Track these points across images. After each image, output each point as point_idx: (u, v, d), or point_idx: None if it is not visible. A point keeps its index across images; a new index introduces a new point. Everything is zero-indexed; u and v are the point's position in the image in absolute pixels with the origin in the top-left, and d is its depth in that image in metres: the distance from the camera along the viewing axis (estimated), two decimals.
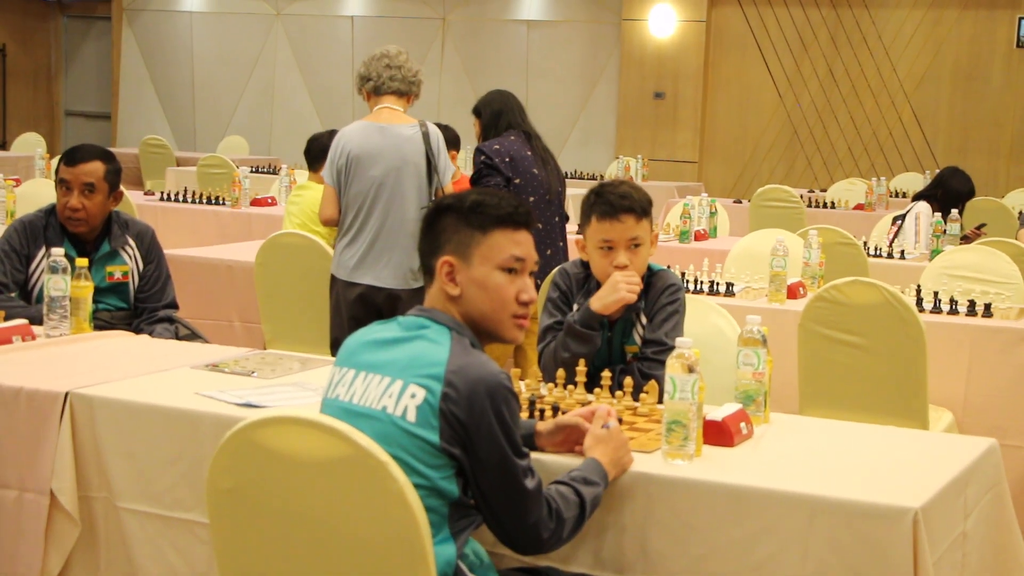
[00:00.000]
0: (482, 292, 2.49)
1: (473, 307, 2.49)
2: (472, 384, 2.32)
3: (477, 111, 5.64)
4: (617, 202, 3.31)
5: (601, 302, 3.29)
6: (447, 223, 2.50)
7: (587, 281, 3.44)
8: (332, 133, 6.36)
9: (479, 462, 2.34)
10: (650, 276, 3.40)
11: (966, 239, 6.74)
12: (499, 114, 5.53)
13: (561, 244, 5.58)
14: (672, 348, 2.70)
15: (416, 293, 4.88)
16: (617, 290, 3.28)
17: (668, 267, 3.57)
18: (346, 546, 2.20)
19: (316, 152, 6.29)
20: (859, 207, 9.75)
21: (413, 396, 2.33)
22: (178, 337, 4.27)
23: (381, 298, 4.86)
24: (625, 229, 3.31)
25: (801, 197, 9.35)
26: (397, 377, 2.36)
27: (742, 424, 2.85)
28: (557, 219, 5.54)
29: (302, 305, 5.35)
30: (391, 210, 4.87)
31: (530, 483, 2.39)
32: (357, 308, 4.87)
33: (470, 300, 2.48)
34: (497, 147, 5.40)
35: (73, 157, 4.26)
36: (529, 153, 5.44)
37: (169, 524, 2.97)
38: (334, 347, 4.91)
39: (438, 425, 2.31)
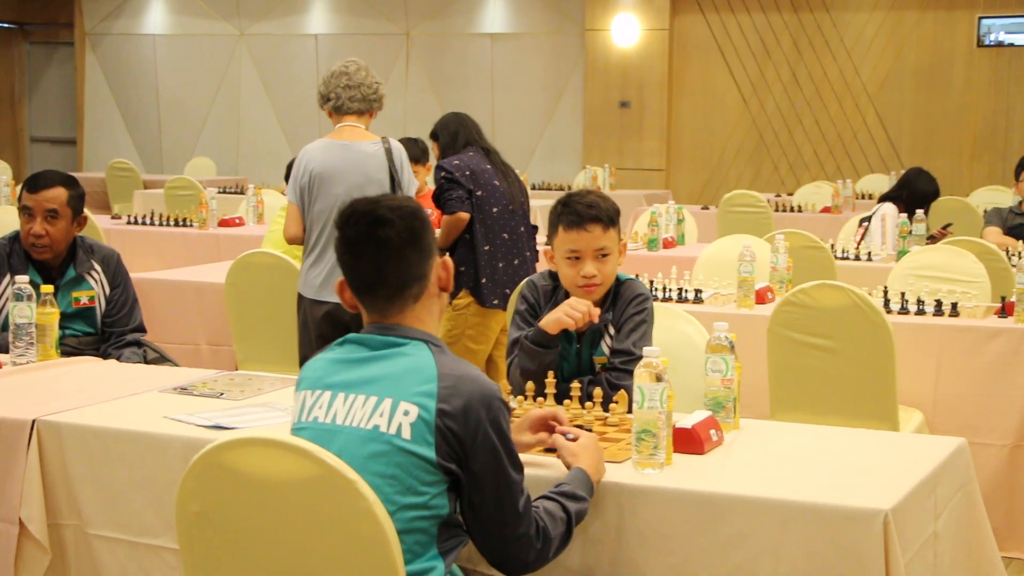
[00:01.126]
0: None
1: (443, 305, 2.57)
2: (467, 397, 2.32)
3: (434, 134, 5.72)
4: (584, 211, 3.29)
5: (546, 320, 3.27)
6: (427, 229, 2.48)
7: (555, 292, 3.43)
8: None
9: (474, 476, 2.34)
10: (618, 286, 3.39)
11: (932, 239, 6.80)
12: (456, 134, 5.63)
13: (528, 254, 5.60)
14: (640, 358, 2.70)
15: None
16: (559, 311, 3.25)
17: (636, 276, 3.58)
18: (317, 566, 2.19)
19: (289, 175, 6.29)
20: (826, 210, 9.81)
21: (407, 414, 2.31)
22: (146, 361, 4.25)
23: (348, 316, 4.84)
24: (592, 239, 3.29)
25: (768, 202, 9.40)
26: (386, 395, 2.34)
27: (712, 431, 2.86)
28: (523, 229, 5.56)
29: (273, 324, 5.33)
30: None
31: (521, 501, 2.39)
32: (324, 326, 4.85)
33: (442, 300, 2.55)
34: (457, 162, 5.47)
35: (35, 184, 4.23)
36: (489, 166, 5.52)
37: (138, 550, 2.95)
38: (303, 365, 4.88)
39: (434, 441, 2.30)
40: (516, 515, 2.37)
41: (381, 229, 2.42)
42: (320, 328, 4.85)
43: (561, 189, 12.15)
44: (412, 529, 2.29)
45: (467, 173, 5.42)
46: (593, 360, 3.37)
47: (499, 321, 5.42)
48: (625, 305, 3.35)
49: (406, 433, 2.30)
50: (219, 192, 9.25)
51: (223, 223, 8.19)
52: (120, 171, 12.89)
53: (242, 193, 10.77)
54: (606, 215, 3.31)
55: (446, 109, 5.90)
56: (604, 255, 3.31)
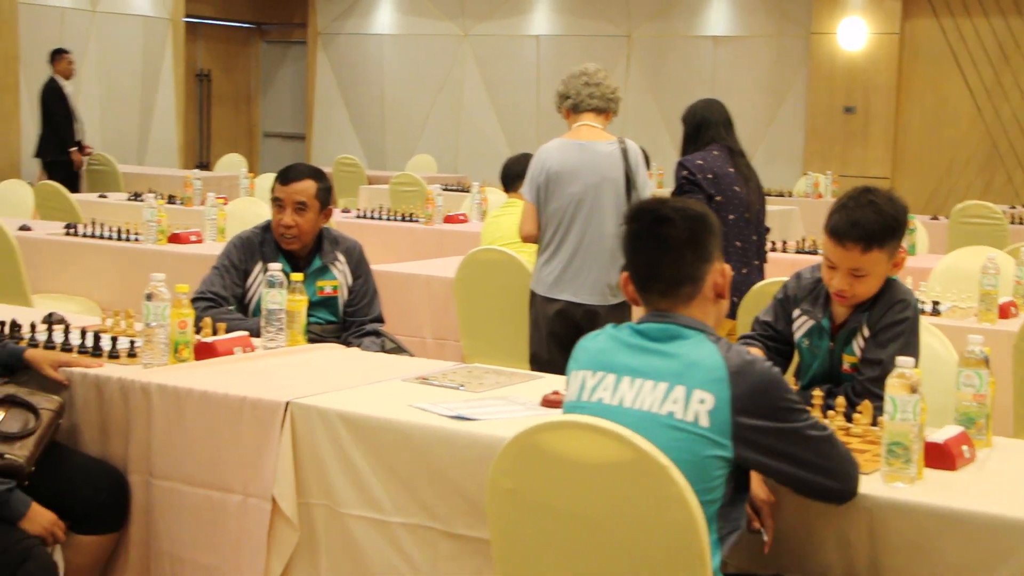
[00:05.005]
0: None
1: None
2: (755, 382, 2.39)
3: (683, 119, 5.60)
4: (845, 229, 3.10)
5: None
6: (710, 234, 2.57)
7: (817, 286, 3.32)
8: (526, 156, 6.41)
9: (776, 453, 2.41)
10: (882, 286, 3.22)
11: None
12: (700, 127, 5.46)
13: (756, 263, 5.50)
14: (890, 370, 2.64)
15: (614, 309, 4.89)
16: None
17: None
18: (625, 548, 2.27)
19: (507, 175, 6.35)
20: None
21: (702, 402, 2.38)
22: (384, 350, 4.37)
23: (579, 314, 4.89)
24: (847, 257, 3.12)
25: (1003, 213, 9.02)
26: (677, 383, 2.41)
27: (964, 447, 2.77)
28: (755, 238, 5.46)
29: (500, 320, 5.41)
30: (589, 226, 4.89)
31: (823, 430, 2.46)
32: (556, 324, 4.91)
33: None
34: (700, 162, 5.33)
35: (287, 176, 4.41)
36: (731, 170, 5.36)
37: (392, 528, 3.03)
38: (533, 362, 4.96)
39: (730, 429, 2.37)
40: (831, 443, 2.46)
41: (662, 227, 2.53)
42: (551, 325, 4.90)
43: (781, 195, 11.92)
44: None
45: (709, 176, 5.29)
46: (843, 358, 3.29)
47: (724, 329, 5.34)
48: (885, 309, 3.18)
49: (704, 421, 2.37)
50: (444, 189, 9.44)
51: (448, 219, 8.36)
52: (346, 166, 13.29)
53: (463, 191, 10.97)
54: (868, 236, 3.08)
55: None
56: (859, 275, 3.14)
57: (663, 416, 2.40)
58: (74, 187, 10.60)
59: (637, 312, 5.03)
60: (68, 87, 11.44)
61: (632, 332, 2.54)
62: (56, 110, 11.33)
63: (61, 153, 11.19)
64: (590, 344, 2.59)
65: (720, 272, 2.58)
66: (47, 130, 11.41)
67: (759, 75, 14.38)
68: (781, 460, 2.42)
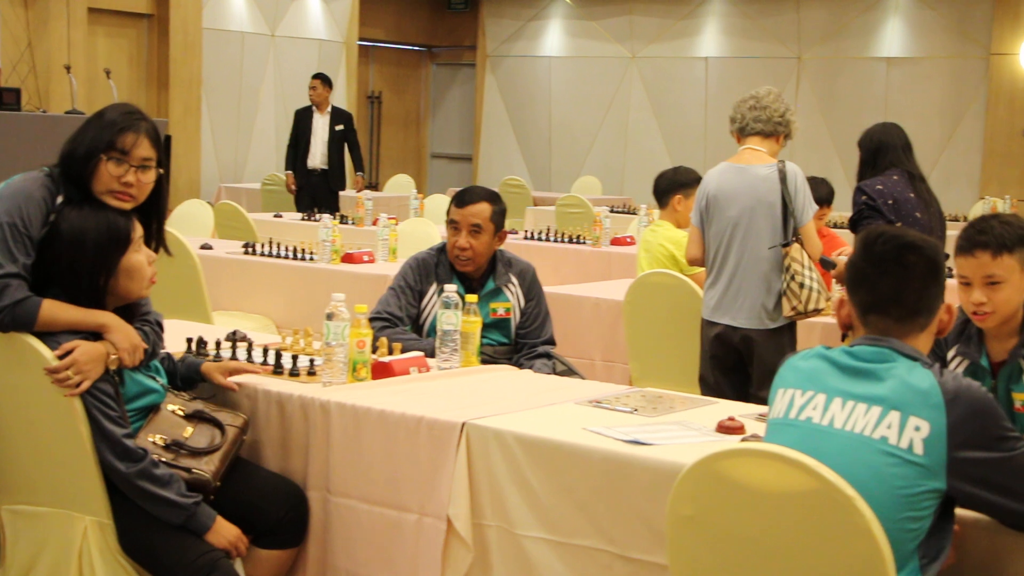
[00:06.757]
0: None
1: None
2: (971, 408, 2.37)
3: (860, 144, 5.52)
4: (973, 237, 3.09)
5: None
6: (943, 271, 2.58)
7: (965, 327, 3.23)
8: (673, 170, 6.35)
9: (991, 484, 2.38)
10: None
11: None
12: (878, 151, 5.35)
13: None
14: None
15: (771, 335, 4.82)
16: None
17: None
18: None
19: (655, 190, 6.29)
20: None
21: (918, 429, 2.37)
22: (555, 373, 4.38)
23: (737, 338, 4.86)
24: (978, 265, 3.06)
25: None
26: (891, 408, 2.41)
27: None
28: None
29: (669, 344, 5.39)
30: (746, 250, 4.87)
31: None
32: (716, 347, 4.94)
33: None
34: (880, 187, 5.23)
35: (462, 199, 4.47)
36: (912, 195, 5.24)
37: (567, 550, 3.03)
38: (702, 384, 4.95)
39: (945, 460, 2.35)
40: None
41: (911, 254, 2.54)
42: (713, 349, 4.92)
43: (955, 219, 11.59)
44: (898, 542, 2.30)
45: (889, 202, 5.17)
46: (1012, 396, 3.17)
47: None
48: None
49: (918, 448, 2.36)
50: (611, 211, 9.43)
51: (615, 241, 8.35)
52: (512, 188, 13.40)
53: (629, 213, 10.94)
54: (998, 240, 3.06)
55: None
56: (993, 283, 3.06)
57: (876, 440, 2.38)
58: (297, 206, 10.98)
59: (800, 338, 4.96)
60: (317, 113, 11.59)
61: (844, 353, 2.53)
62: (292, 134, 11.64)
63: (286, 173, 11.57)
64: (800, 363, 2.59)
65: (946, 309, 2.59)
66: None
67: (934, 97, 14.01)
68: (995, 492, 2.38)
